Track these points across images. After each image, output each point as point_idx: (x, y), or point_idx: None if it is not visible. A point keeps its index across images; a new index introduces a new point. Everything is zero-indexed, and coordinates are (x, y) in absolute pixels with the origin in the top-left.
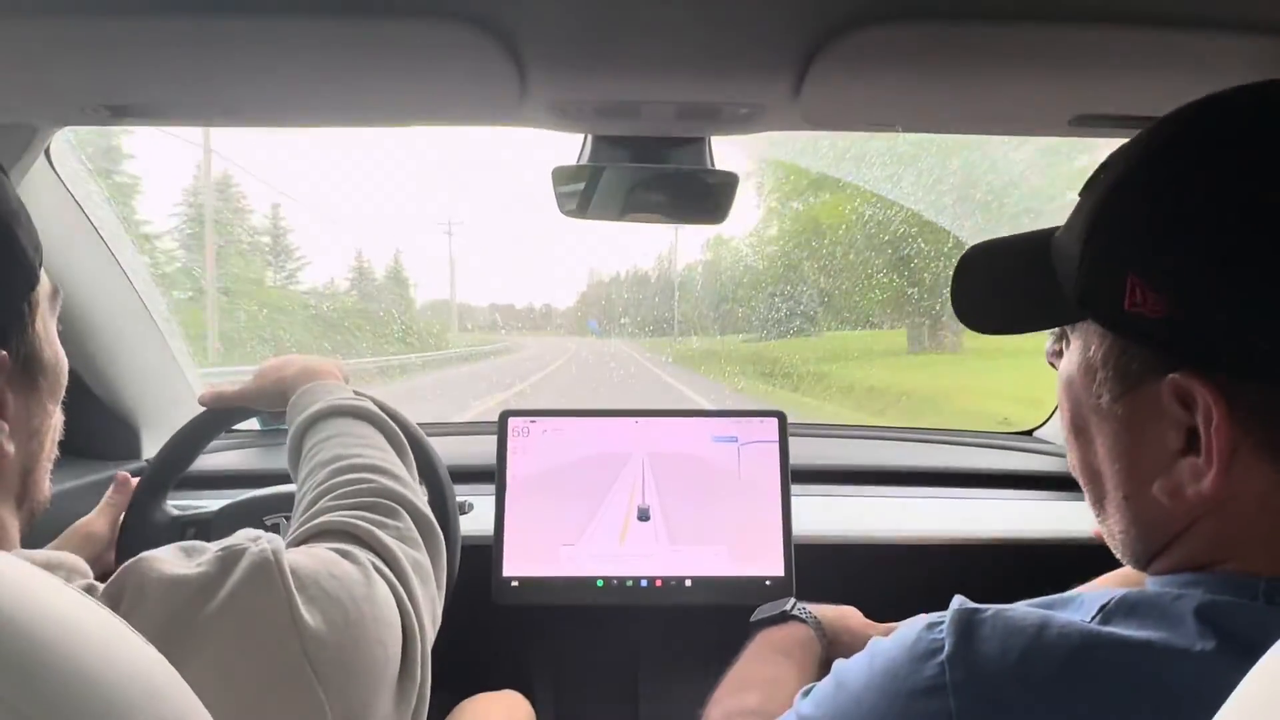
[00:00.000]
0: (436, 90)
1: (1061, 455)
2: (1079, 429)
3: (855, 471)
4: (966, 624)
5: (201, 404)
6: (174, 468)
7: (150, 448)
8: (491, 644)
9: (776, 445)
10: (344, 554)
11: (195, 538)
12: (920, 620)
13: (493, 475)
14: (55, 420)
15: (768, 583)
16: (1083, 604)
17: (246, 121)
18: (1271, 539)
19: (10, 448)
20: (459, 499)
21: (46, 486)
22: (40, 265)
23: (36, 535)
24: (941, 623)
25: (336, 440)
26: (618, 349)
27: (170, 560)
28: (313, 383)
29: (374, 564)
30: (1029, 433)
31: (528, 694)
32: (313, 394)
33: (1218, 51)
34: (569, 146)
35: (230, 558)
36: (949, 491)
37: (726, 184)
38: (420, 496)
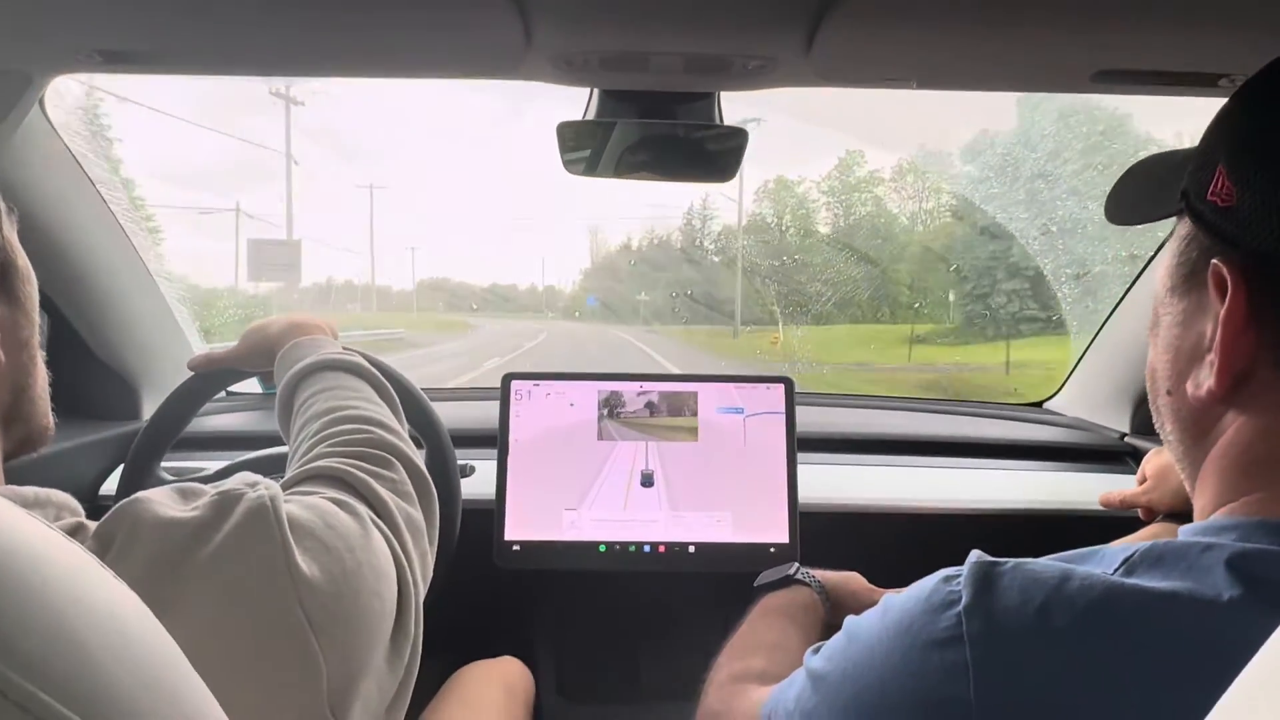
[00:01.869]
0: (438, 41)
1: (1071, 427)
2: (1153, 325)
3: (863, 440)
4: (985, 576)
5: (190, 368)
6: (169, 429)
7: (150, 408)
8: (492, 608)
9: (783, 412)
10: (340, 504)
11: None
12: (937, 574)
13: (494, 440)
14: (39, 339)
15: (772, 550)
16: (1105, 557)
17: (244, 70)
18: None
19: (1, 357)
20: (460, 461)
21: (46, 412)
22: None
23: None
24: (959, 575)
25: (328, 393)
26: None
27: (165, 502)
28: (300, 338)
29: (370, 516)
30: (1039, 404)
31: (529, 658)
32: (301, 349)
33: (1247, 4)
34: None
35: (227, 501)
36: (957, 461)
37: (736, 141)
38: (414, 450)
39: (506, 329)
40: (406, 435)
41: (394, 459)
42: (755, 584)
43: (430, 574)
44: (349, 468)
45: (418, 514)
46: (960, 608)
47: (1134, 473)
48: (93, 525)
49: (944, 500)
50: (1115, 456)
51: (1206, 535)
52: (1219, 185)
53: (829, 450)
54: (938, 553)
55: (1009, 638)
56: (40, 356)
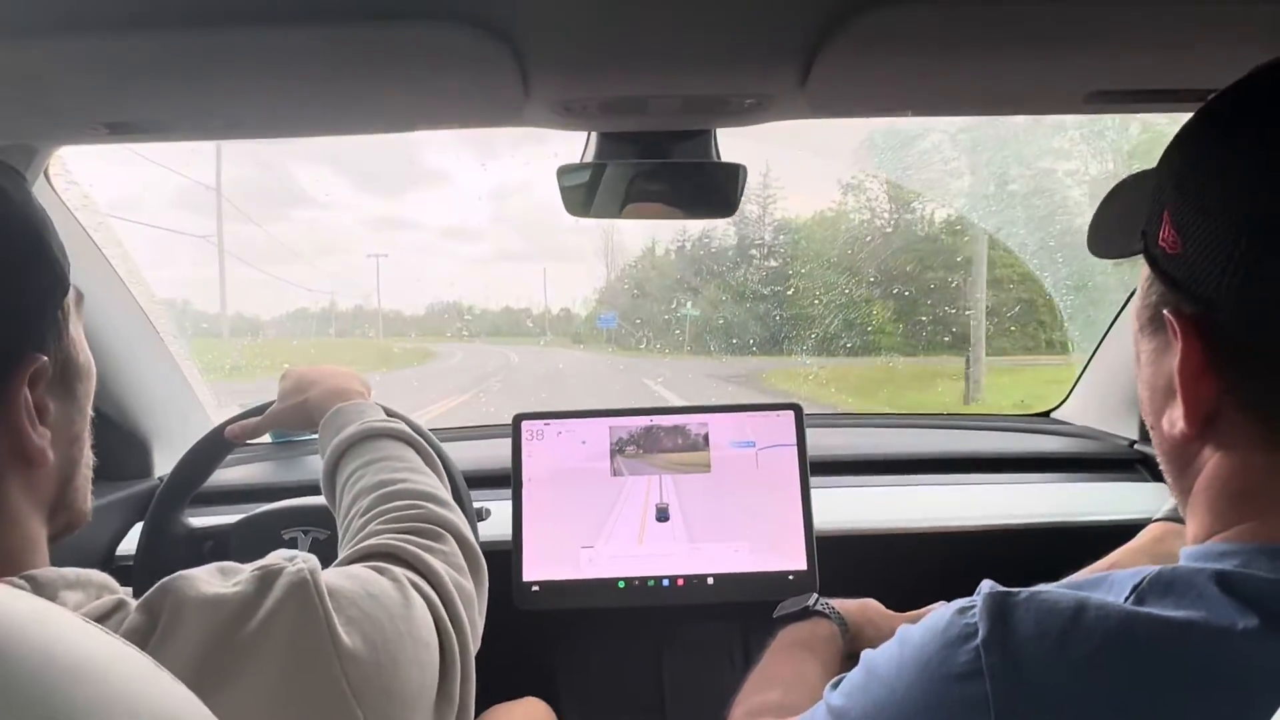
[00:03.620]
0: (439, 94)
1: (1081, 436)
2: (1136, 357)
3: (874, 461)
4: (1000, 607)
5: (230, 438)
6: (191, 481)
7: (162, 466)
8: (513, 650)
9: (794, 439)
10: (380, 570)
11: (213, 550)
12: (950, 605)
13: (507, 479)
14: (90, 429)
15: (790, 577)
16: (1114, 584)
17: (248, 134)
18: (1270, 504)
19: (51, 455)
20: (475, 505)
21: (87, 496)
22: (69, 270)
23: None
24: (973, 607)
25: (378, 465)
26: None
27: (207, 579)
28: (341, 404)
29: (411, 581)
30: (1047, 414)
31: (552, 699)
32: (344, 416)
33: (1235, 19)
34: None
35: (268, 577)
36: (969, 477)
37: (733, 176)
38: (464, 521)
39: (479, 359)
40: (454, 503)
41: (446, 532)
42: (774, 615)
43: (479, 643)
44: (402, 543)
45: (469, 584)
46: (978, 641)
47: (1144, 480)
48: (133, 602)
49: (958, 518)
50: (1126, 465)
51: (1209, 561)
52: (1166, 233)
53: (843, 473)
54: (955, 572)
55: (1029, 670)
56: (88, 444)
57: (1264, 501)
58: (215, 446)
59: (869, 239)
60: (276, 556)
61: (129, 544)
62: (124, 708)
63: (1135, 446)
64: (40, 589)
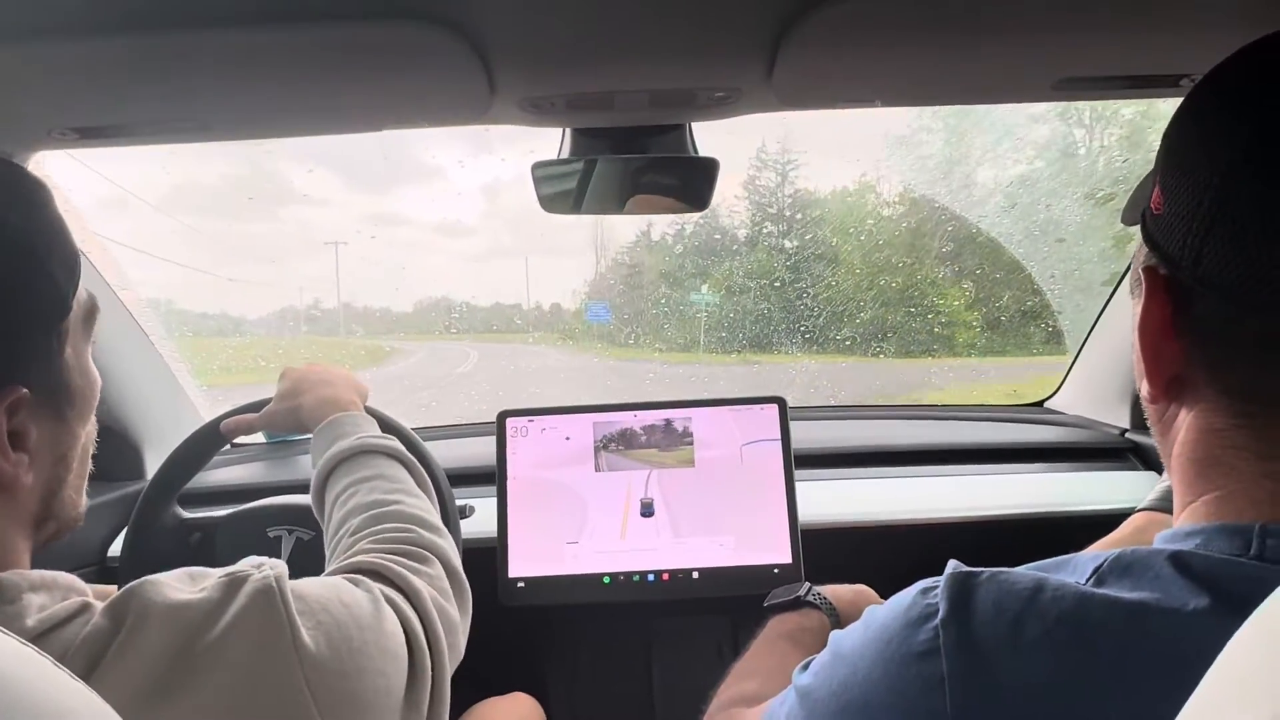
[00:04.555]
0: (405, 94)
1: (1072, 425)
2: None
3: (863, 453)
4: (961, 587)
5: (225, 433)
6: (178, 477)
7: (154, 467)
8: (499, 644)
9: (778, 432)
10: (356, 583)
11: (201, 543)
12: (915, 586)
13: (491, 477)
14: (86, 439)
15: (776, 570)
16: (1077, 565)
17: (218, 136)
18: (1229, 473)
19: (29, 479)
20: (459, 503)
21: (78, 503)
22: (74, 291)
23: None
24: (936, 587)
25: (370, 484)
26: None
27: (174, 585)
28: (337, 414)
29: (387, 596)
30: (1040, 404)
31: (541, 694)
32: (339, 428)
33: (1202, 5)
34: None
35: (234, 584)
36: (959, 468)
37: (708, 170)
38: (453, 548)
39: (437, 361)
40: (444, 528)
41: (433, 557)
42: (765, 605)
43: (458, 663)
44: (388, 562)
45: (452, 609)
46: (938, 620)
47: (1136, 469)
48: (98, 605)
49: (949, 509)
50: (1117, 454)
51: (1173, 543)
52: (1156, 193)
53: (828, 466)
54: (945, 563)
55: (983, 650)
56: (78, 459)
57: (1224, 471)
58: (204, 443)
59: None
60: (245, 564)
61: (119, 545)
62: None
63: (1126, 435)
64: (3, 591)
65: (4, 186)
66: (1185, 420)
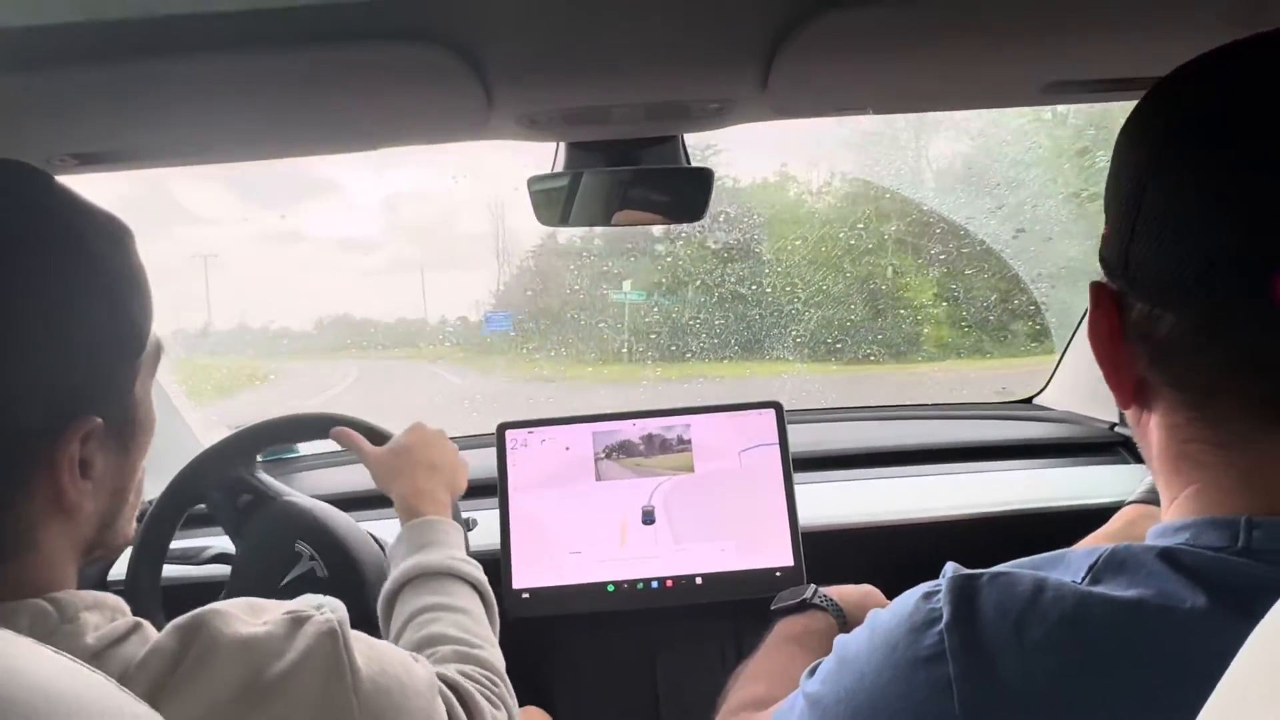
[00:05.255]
0: (403, 112)
1: (1062, 421)
2: None
3: (858, 455)
4: (962, 590)
5: (334, 438)
6: (179, 507)
7: (152, 489)
8: (508, 659)
9: (776, 437)
10: (414, 658)
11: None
12: (917, 590)
13: (493, 489)
14: (141, 474)
15: (778, 574)
16: (1071, 563)
17: (216, 159)
18: (1196, 466)
19: (90, 507)
20: (463, 515)
21: (127, 533)
22: (149, 331)
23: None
24: (938, 591)
25: (455, 618)
26: None
27: (241, 617)
28: (430, 516)
29: (444, 694)
30: (1029, 400)
31: (548, 705)
32: (429, 534)
33: (1191, 5)
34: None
35: (297, 621)
36: (953, 467)
37: (702, 180)
38: (516, 708)
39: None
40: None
41: (504, 707)
42: (771, 608)
43: None
44: (463, 680)
45: None
46: (942, 625)
47: (1126, 462)
48: (147, 624)
49: (944, 508)
50: (1106, 448)
51: (1164, 538)
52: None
53: (826, 468)
54: (942, 562)
55: (988, 652)
56: (135, 492)
57: (1193, 465)
58: (203, 470)
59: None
60: (302, 602)
61: (118, 570)
62: None
63: (1116, 429)
64: (62, 610)
65: (100, 228)
66: (1154, 421)
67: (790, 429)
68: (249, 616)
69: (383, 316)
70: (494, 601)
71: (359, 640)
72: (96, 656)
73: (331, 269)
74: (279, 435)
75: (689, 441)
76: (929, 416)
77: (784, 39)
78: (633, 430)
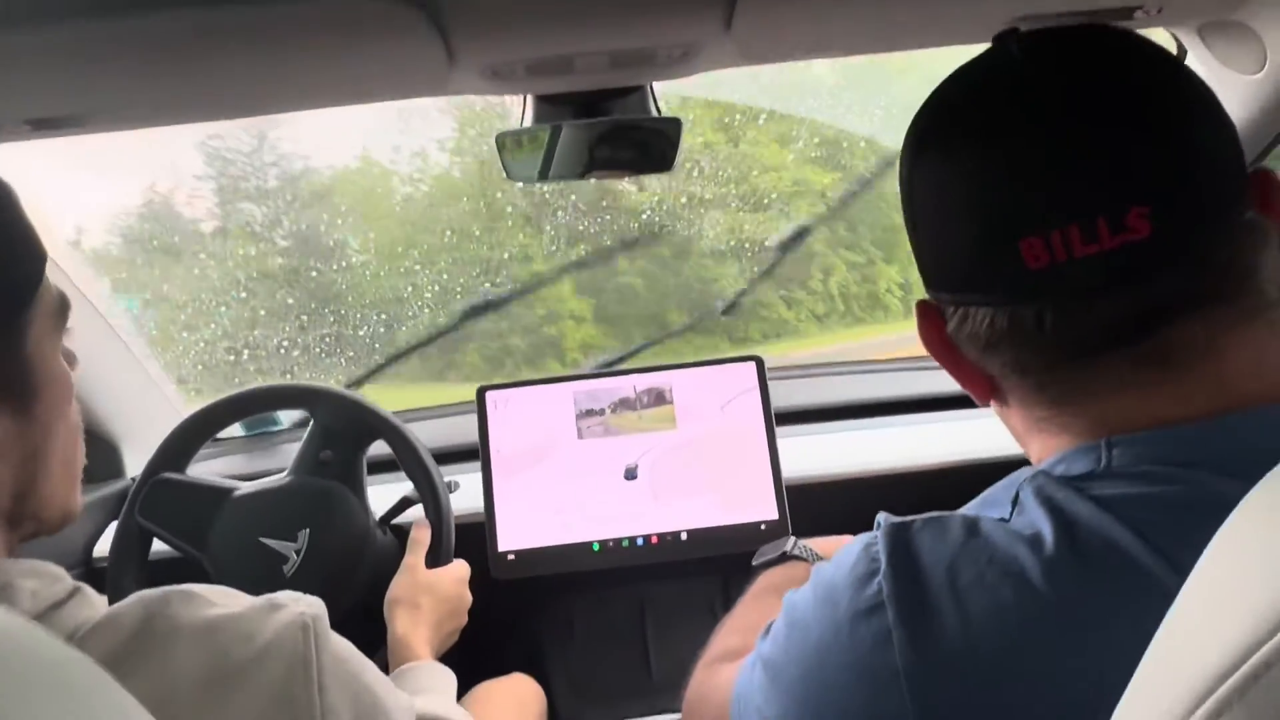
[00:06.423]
0: (363, 68)
1: None
2: None
3: (842, 407)
4: (897, 538)
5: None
6: (174, 463)
7: (133, 464)
8: (494, 625)
9: (757, 390)
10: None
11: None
12: (858, 542)
13: (475, 453)
14: (64, 439)
15: (763, 527)
16: (997, 499)
17: (174, 120)
18: (1067, 431)
19: None
20: (445, 479)
21: (66, 502)
22: (35, 287)
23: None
24: (875, 543)
25: None
26: None
27: (208, 600)
28: (427, 661)
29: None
30: None
31: (538, 668)
32: (420, 679)
33: None
34: None
35: (271, 607)
36: (937, 416)
37: (672, 129)
38: None
39: None
40: None
41: None
42: (753, 564)
43: None
44: None
45: None
46: (880, 574)
47: None
48: (92, 592)
49: (929, 457)
50: None
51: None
52: None
53: (809, 421)
54: (929, 510)
55: (923, 599)
56: (62, 457)
57: (1058, 430)
58: (184, 441)
59: None
60: (283, 595)
61: (103, 546)
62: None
63: None
64: None
65: None
66: (1013, 410)
67: (773, 385)
68: (220, 599)
69: None
70: None
71: (336, 642)
72: (35, 620)
73: None
74: (180, 454)
75: (670, 398)
76: (910, 369)
77: None
78: (614, 388)
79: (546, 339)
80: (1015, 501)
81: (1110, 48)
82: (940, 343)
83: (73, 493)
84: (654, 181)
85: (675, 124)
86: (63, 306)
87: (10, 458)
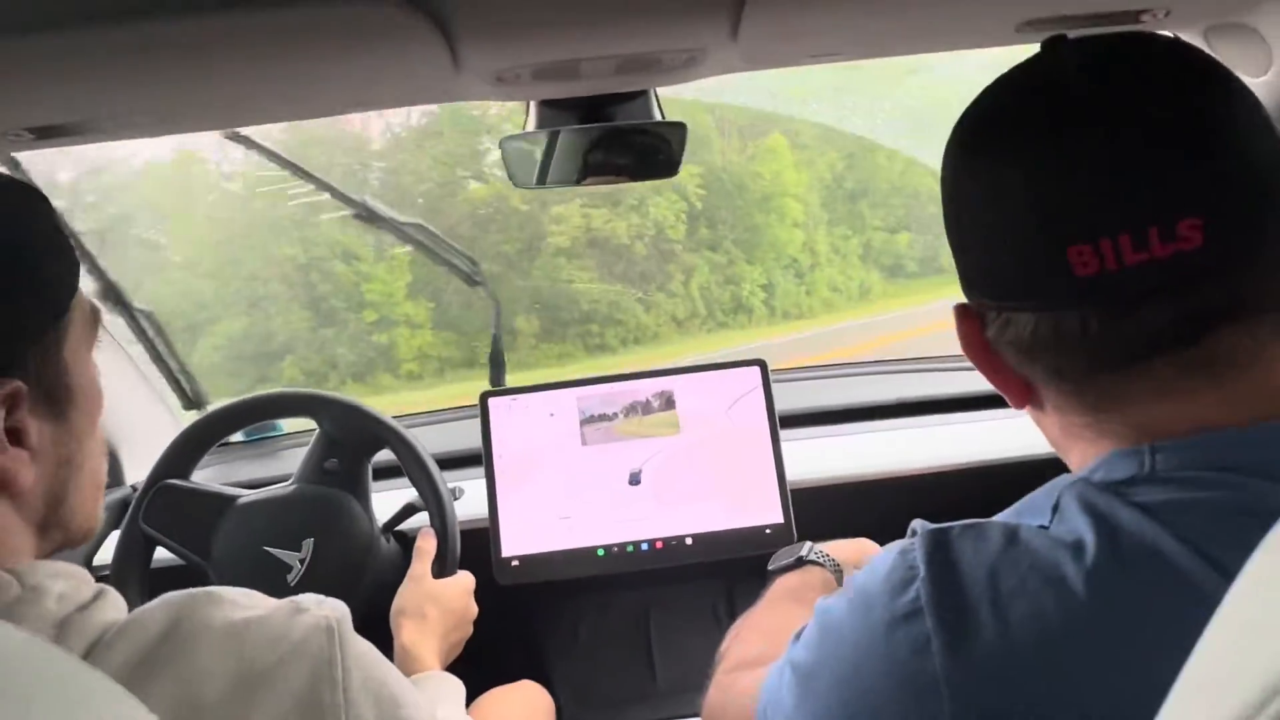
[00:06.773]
0: (368, 75)
1: None
2: None
3: (847, 410)
4: (936, 544)
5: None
6: (178, 470)
7: (133, 472)
8: (499, 629)
9: (761, 394)
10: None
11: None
12: (892, 548)
13: (478, 459)
14: (94, 451)
15: (768, 531)
16: (1036, 506)
17: (179, 129)
18: (1106, 438)
19: (29, 476)
20: (450, 485)
21: (89, 514)
22: (72, 294)
23: None
24: (913, 549)
25: None
26: None
27: (234, 602)
28: (434, 672)
29: None
30: None
31: (543, 674)
32: (430, 687)
33: None
34: None
35: (296, 610)
36: (943, 418)
37: (677, 134)
38: None
39: None
40: None
41: None
42: (769, 568)
43: None
44: None
45: None
46: (919, 580)
47: None
48: (116, 594)
49: (936, 459)
50: None
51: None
52: None
53: (815, 424)
54: (936, 513)
55: (964, 606)
56: (89, 466)
57: (1096, 436)
58: (187, 448)
59: None
60: (305, 598)
61: (104, 554)
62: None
63: None
64: (21, 577)
65: (5, 193)
66: (1050, 416)
67: (776, 388)
68: (244, 601)
69: None
70: None
71: (360, 645)
72: (62, 623)
73: None
74: (182, 464)
75: (674, 403)
76: (916, 370)
77: None
78: (617, 393)
79: (377, 348)
80: (1056, 508)
81: (1159, 55)
82: (979, 347)
83: (97, 507)
84: (499, 171)
85: (680, 128)
86: (94, 316)
87: (46, 463)
